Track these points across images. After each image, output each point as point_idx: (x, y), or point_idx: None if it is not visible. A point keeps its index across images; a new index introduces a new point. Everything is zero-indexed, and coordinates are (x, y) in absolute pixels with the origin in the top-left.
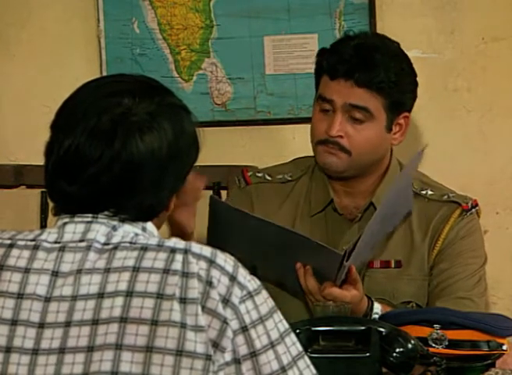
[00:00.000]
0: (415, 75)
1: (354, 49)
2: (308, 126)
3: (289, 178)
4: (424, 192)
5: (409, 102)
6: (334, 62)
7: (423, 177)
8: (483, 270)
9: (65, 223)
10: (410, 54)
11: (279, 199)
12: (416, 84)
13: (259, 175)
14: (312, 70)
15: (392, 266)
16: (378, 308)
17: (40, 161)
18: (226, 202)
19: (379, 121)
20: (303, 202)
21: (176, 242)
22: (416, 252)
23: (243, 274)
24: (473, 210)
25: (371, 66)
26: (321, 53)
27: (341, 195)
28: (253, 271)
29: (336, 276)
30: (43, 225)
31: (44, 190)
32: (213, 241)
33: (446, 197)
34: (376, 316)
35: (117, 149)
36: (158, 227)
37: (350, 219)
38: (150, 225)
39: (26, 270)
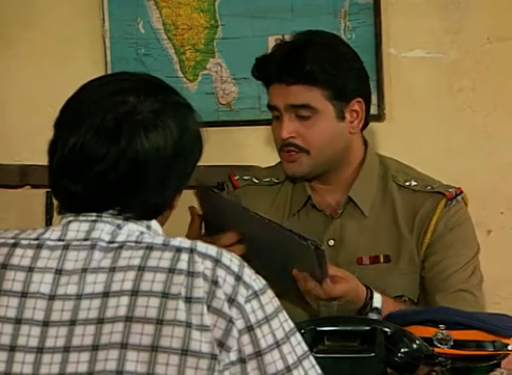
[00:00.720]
0: (357, 60)
1: (284, 51)
2: None
3: (276, 181)
4: (408, 183)
5: (357, 87)
6: (266, 68)
7: (406, 169)
8: (477, 261)
9: (69, 222)
10: (414, 54)
11: (266, 201)
12: (359, 68)
13: (246, 178)
14: None
15: (382, 261)
16: (378, 297)
17: (44, 161)
18: (216, 192)
19: (326, 113)
20: (287, 203)
21: (182, 241)
22: (405, 246)
23: (248, 274)
24: (458, 198)
25: (299, 62)
26: (256, 63)
27: (322, 193)
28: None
29: (321, 270)
30: (48, 225)
31: (49, 190)
32: (209, 231)
33: (429, 187)
34: (377, 306)
35: (123, 147)
36: (162, 225)
37: (332, 216)
38: (154, 223)
39: (30, 269)
